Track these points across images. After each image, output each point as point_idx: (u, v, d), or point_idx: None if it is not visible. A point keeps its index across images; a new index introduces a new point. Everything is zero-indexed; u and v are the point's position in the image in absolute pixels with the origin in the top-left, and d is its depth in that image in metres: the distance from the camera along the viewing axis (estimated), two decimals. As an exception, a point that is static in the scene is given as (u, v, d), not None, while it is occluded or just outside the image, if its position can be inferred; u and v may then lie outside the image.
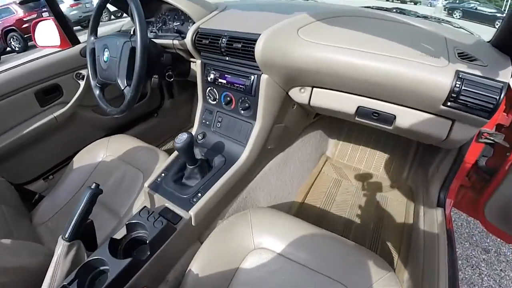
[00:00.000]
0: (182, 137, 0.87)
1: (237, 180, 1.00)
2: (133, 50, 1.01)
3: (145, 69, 0.98)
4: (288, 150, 1.33)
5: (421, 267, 0.95)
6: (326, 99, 0.96)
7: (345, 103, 0.93)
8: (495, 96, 0.66)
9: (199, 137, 1.12)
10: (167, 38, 1.26)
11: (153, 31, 1.44)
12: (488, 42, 0.88)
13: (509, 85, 0.68)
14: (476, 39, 0.93)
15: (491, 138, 0.92)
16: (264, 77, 0.90)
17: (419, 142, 1.55)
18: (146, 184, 0.98)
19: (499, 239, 1.72)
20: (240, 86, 0.96)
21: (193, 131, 1.17)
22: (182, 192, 0.91)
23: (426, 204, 1.22)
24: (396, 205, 1.40)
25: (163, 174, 1.01)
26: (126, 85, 1.01)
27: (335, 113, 1.07)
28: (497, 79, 0.67)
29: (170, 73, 1.29)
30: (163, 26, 1.42)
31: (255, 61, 0.88)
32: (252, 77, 0.93)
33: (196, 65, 1.13)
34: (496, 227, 1.08)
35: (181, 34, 1.22)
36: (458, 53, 0.76)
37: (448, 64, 0.71)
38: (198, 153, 1.08)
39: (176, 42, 1.23)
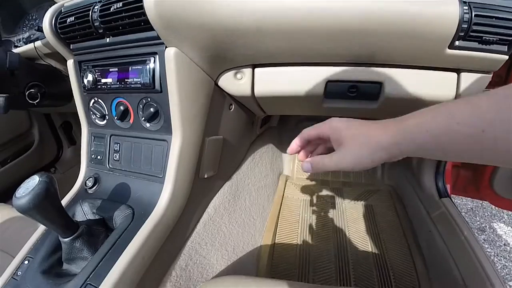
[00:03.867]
0: (27, 186, 0.44)
1: (161, 242, 0.57)
2: None
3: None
4: (237, 176, 0.93)
5: (458, 277, 0.75)
6: (277, 82, 0.61)
7: (307, 81, 0.60)
8: (512, 17, 0.47)
9: (89, 184, 0.67)
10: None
11: (19, 45, 1.02)
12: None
13: None
14: None
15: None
16: (170, 52, 0.51)
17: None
18: (-5, 289, 0.53)
19: (487, 213, 1.68)
20: (135, 80, 0.56)
21: (79, 176, 0.72)
22: (58, 293, 0.47)
23: (426, 200, 1.00)
24: (385, 212, 1.12)
25: (26, 262, 0.56)
26: None
27: (294, 105, 0.72)
28: (505, -4, 0.49)
29: (33, 91, 0.84)
30: (31, 37, 1.01)
31: (152, 28, 0.49)
32: (152, 58, 0.53)
33: (68, 70, 0.70)
34: None
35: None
36: None
37: None
38: (88, 211, 0.63)
39: (38, 43, 0.84)
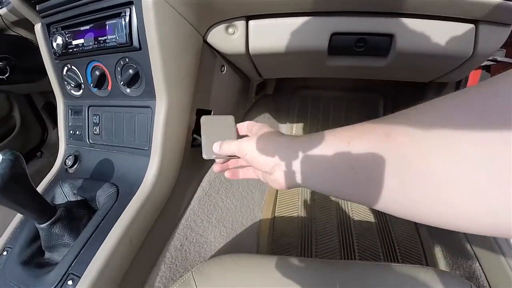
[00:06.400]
0: None
1: (151, 222, 0.51)
2: None
3: None
4: None
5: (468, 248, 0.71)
6: (275, 36, 0.53)
7: (309, 33, 0.52)
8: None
9: (69, 163, 0.61)
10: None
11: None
12: None
13: None
14: None
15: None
16: (148, -1, 0.43)
17: (386, 97, 1.25)
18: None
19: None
20: (110, 38, 0.48)
21: (59, 155, 0.65)
22: (38, 284, 0.43)
23: None
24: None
25: (5, 253, 0.51)
26: None
27: (293, 65, 0.65)
28: None
29: (1, 64, 0.76)
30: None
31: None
32: (127, 10, 0.45)
33: (37, 35, 0.62)
34: None
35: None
36: None
37: None
38: (69, 193, 0.57)
39: (4, 11, 0.76)
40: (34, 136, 1.47)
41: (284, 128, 1.32)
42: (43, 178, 0.71)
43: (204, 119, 0.41)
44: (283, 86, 1.29)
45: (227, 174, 0.44)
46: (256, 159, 0.36)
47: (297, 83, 1.29)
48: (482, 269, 0.67)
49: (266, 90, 1.08)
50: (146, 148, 0.51)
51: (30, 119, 1.44)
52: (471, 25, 0.52)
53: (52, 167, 0.70)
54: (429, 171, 0.20)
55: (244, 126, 0.41)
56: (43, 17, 0.59)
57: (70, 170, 0.61)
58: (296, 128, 1.32)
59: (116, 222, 0.46)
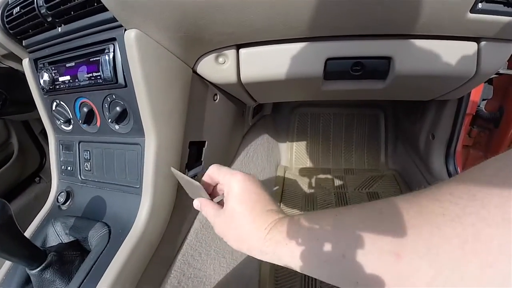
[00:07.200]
0: None
1: (145, 263, 0.49)
2: None
3: None
4: None
5: None
6: (267, 64, 0.51)
7: (302, 60, 0.50)
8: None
9: (61, 200, 0.58)
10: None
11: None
12: None
13: None
14: None
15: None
16: (131, 35, 0.40)
17: (386, 112, 1.23)
18: None
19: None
20: (95, 75, 0.46)
21: (51, 191, 0.63)
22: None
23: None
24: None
25: None
26: None
27: (288, 91, 0.63)
28: None
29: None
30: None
31: (105, 8, 0.40)
32: (110, 46, 0.44)
33: (25, 70, 0.61)
34: None
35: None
36: None
37: None
38: (61, 232, 0.55)
39: None
40: (32, 161, 1.46)
41: (284, 147, 1.30)
42: (42, 204, 0.67)
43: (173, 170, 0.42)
44: (281, 105, 1.27)
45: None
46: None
47: (296, 101, 1.28)
48: None
49: (263, 111, 1.06)
50: (138, 186, 0.48)
51: (28, 145, 1.43)
52: (473, 43, 0.50)
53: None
54: None
55: (207, 178, 0.40)
56: (30, 52, 0.58)
57: (63, 207, 0.59)
58: (296, 147, 1.30)
59: (108, 267, 0.43)
